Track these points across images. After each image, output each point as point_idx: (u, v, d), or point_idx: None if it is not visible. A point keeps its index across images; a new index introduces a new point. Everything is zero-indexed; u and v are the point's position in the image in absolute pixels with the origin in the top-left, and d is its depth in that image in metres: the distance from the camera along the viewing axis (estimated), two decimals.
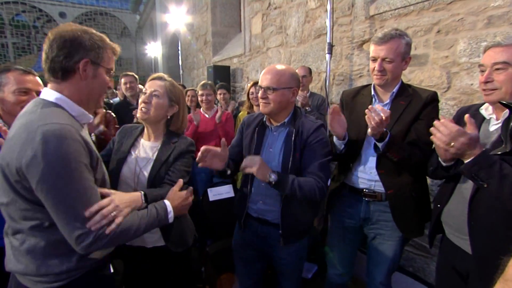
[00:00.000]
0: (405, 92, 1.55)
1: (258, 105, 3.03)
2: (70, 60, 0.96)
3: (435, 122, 1.13)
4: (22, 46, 15.47)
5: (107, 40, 1.06)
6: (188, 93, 3.48)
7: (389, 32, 1.48)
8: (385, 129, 1.41)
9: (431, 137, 1.15)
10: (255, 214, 1.56)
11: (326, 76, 2.87)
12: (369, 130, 1.38)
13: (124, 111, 3.25)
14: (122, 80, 3.58)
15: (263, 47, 4.61)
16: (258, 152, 1.51)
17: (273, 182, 1.33)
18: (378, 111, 1.31)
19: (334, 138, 1.57)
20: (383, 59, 1.48)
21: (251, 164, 1.33)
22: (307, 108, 3.05)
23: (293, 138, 1.44)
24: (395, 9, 2.50)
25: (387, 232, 1.60)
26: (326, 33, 2.90)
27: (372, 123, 1.32)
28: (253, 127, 1.59)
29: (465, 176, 1.15)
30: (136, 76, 3.73)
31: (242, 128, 1.66)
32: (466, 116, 1.11)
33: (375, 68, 1.50)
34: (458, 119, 1.37)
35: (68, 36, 0.95)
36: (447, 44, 2.18)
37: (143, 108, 1.37)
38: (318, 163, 1.42)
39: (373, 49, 1.51)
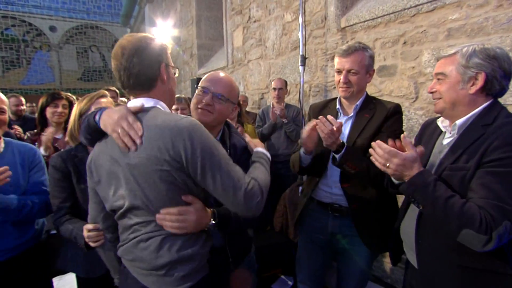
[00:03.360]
0: (369, 105, 1.55)
1: (231, 119, 3.02)
2: (153, 69, 0.99)
3: (372, 143, 1.13)
4: (11, 59, 15.37)
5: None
6: None
7: (353, 44, 1.49)
8: (342, 141, 1.40)
9: (371, 157, 1.14)
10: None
11: (300, 87, 2.89)
12: (324, 143, 1.37)
13: None
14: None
15: (244, 59, 4.65)
16: None
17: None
18: (328, 122, 1.30)
19: (301, 152, 1.55)
20: (348, 71, 1.48)
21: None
22: (284, 120, 3.06)
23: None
24: (364, 21, 2.54)
25: (355, 246, 1.58)
26: (304, 44, 2.94)
27: (323, 133, 1.31)
28: None
29: (405, 196, 1.15)
30: (118, 91, 3.70)
31: None
32: (402, 136, 1.10)
33: (341, 80, 1.50)
34: (423, 132, 1.37)
35: (143, 47, 0.97)
36: (413, 55, 2.22)
37: None
38: None
39: (337, 61, 1.52)
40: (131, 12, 15.03)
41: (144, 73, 0.98)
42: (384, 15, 2.37)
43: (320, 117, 1.34)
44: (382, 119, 1.48)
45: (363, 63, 1.48)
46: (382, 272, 2.61)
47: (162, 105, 1.03)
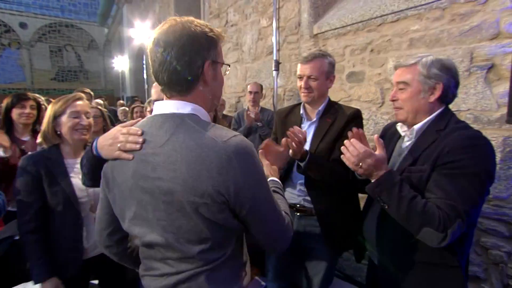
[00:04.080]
0: (331, 110, 1.61)
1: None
2: (194, 67, 0.80)
3: (345, 142, 1.16)
4: None
5: (215, 28, 0.84)
6: (136, 109, 3.42)
7: (313, 52, 1.57)
8: (306, 149, 1.45)
9: (341, 156, 1.17)
10: None
11: (274, 92, 2.95)
12: (290, 151, 1.40)
13: None
14: None
15: None
16: None
17: None
18: (297, 133, 1.34)
19: None
20: (308, 77, 1.55)
21: None
22: (258, 123, 3.10)
23: None
24: (334, 29, 2.64)
25: (320, 245, 1.63)
26: (278, 50, 3.00)
27: (294, 145, 1.35)
28: None
29: (371, 196, 1.19)
30: (92, 93, 3.60)
31: None
32: (375, 136, 1.15)
33: (302, 86, 1.56)
34: (383, 135, 1.44)
35: (186, 39, 0.77)
36: (379, 62, 2.33)
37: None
38: None
39: (299, 67, 1.58)
40: (108, 12, 14.69)
41: (182, 72, 0.79)
42: (353, 24, 2.47)
43: (290, 128, 1.37)
44: (344, 123, 1.54)
45: (323, 70, 1.55)
46: (352, 270, 2.68)
47: (201, 113, 0.84)
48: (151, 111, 2.67)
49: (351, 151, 1.12)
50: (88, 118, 1.52)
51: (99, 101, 4.83)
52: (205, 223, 0.78)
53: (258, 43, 3.73)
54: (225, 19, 4.49)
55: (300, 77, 1.58)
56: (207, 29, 0.81)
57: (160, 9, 8.09)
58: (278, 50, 2.95)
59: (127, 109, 5.83)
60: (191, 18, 0.82)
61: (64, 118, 1.46)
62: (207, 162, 0.74)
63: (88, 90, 3.59)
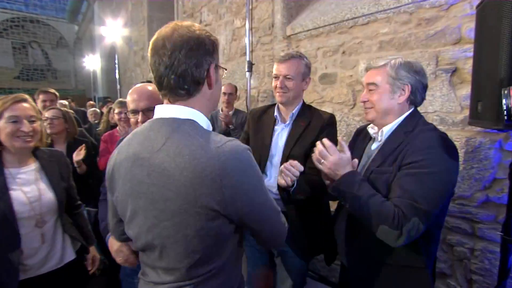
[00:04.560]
0: (306, 113, 1.60)
1: None
2: (201, 70, 0.79)
3: (318, 142, 1.17)
4: None
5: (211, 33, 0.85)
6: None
7: (290, 52, 1.56)
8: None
9: (312, 154, 1.18)
10: None
11: (247, 93, 2.91)
12: (280, 180, 1.31)
13: None
14: (40, 97, 3.13)
15: None
16: None
17: None
18: (293, 170, 1.27)
19: None
20: (284, 77, 1.53)
21: None
22: (230, 126, 3.04)
23: None
24: (307, 30, 2.65)
25: (290, 249, 1.60)
26: (251, 51, 2.97)
27: (289, 180, 1.28)
28: None
29: (336, 196, 1.19)
30: (57, 94, 3.37)
31: None
32: (339, 138, 1.19)
33: (277, 85, 1.54)
34: (356, 138, 1.44)
35: (192, 41, 0.77)
36: (351, 64, 2.35)
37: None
38: None
39: (276, 67, 1.57)
40: (78, 8, 14.08)
41: (190, 74, 0.78)
42: (325, 26, 2.49)
43: (283, 166, 1.29)
44: (319, 129, 1.53)
45: (299, 70, 1.54)
46: (326, 271, 2.69)
47: (200, 118, 0.83)
48: (119, 113, 2.52)
49: (318, 148, 1.15)
50: (33, 122, 1.36)
51: (64, 102, 4.58)
52: (195, 233, 0.76)
53: (232, 44, 3.68)
54: (198, 18, 4.41)
55: (276, 77, 1.57)
56: (208, 34, 0.82)
57: (133, 7, 7.86)
58: (252, 51, 2.92)
59: (97, 110, 5.58)
60: (190, 22, 0.82)
61: (1, 123, 1.31)
62: (199, 170, 0.73)
63: (52, 90, 3.36)
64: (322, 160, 1.13)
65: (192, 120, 0.81)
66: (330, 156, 1.11)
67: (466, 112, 1.60)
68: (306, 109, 1.63)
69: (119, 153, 0.88)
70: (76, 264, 1.54)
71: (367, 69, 1.27)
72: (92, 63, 13.49)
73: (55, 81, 16.78)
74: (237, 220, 0.80)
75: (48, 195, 1.41)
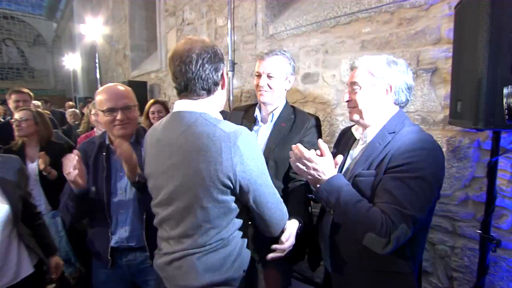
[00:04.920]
0: (289, 114, 1.55)
1: None
2: (218, 74, 1.00)
3: (293, 146, 1.12)
4: None
5: None
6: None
7: (274, 50, 1.52)
8: None
9: (290, 160, 1.14)
10: (117, 244, 1.45)
11: (230, 93, 2.87)
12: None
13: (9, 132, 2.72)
14: (12, 97, 2.99)
15: None
16: (109, 179, 1.44)
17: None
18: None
19: None
20: (267, 75, 1.47)
21: None
22: None
23: None
24: (290, 29, 2.62)
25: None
26: (233, 50, 2.92)
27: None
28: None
29: (320, 202, 1.16)
30: (31, 94, 3.20)
31: None
32: (319, 141, 1.12)
33: (259, 84, 1.48)
34: (340, 139, 1.41)
35: (210, 51, 0.97)
36: (334, 63, 2.34)
37: None
38: None
39: (258, 64, 1.52)
40: (56, 5, 13.58)
41: (212, 78, 0.98)
42: (307, 25, 2.47)
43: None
44: (302, 132, 1.49)
45: (283, 68, 1.49)
46: (311, 272, 2.68)
47: (214, 110, 1.03)
48: (96, 114, 2.45)
49: (295, 154, 1.10)
50: None
51: (37, 102, 4.38)
52: (208, 205, 0.92)
53: (214, 43, 3.61)
54: (181, 17, 4.32)
55: (258, 75, 1.50)
56: (216, 46, 1.01)
57: (114, 4, 7.64)
58: (234, 50, 2.87)
59: (77, 111, 5.38)
60: (201, 37, 1.03)
61: None
62: (215, 149, 0.89)
63: (26, 90, 3.20)
64: (306, 164, 1.09)
65: (207, 113, 0.99)
66: (313, 161, 1.07)
67: (447, 112, 1.61)
68: (289, 110, 1.57)
69: (146, 142, 1.10)
70: (34, 278, 1.43)
71: (351, 68, 1.24)
72: (72, 62, 13.05)
73: (33, 81, 16.16)
74: (243, 198, 0.96)
75: (1, 205, 1.31)
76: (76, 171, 1.20)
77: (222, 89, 1.05)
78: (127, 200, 1.41)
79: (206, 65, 0.95)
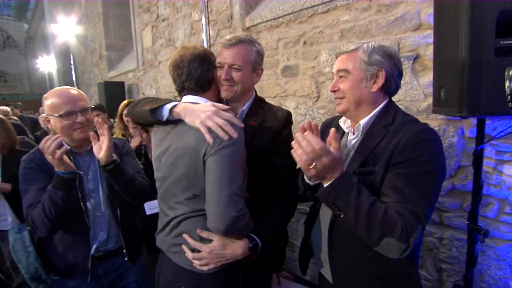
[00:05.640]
0: (258, 111, 1.35)
1: (134, 127, 2.72)
2: (210, 72, 1.17)
3: (297, 135, 0.93)
4: None
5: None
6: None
7: (238, 35, 1.27)
8: None
9: (292, 151, 0.95)
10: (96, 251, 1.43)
11: None
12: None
13: None
14: None
15: (155, 60, 4.33)
16: (81, 183, 1.42)
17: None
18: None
19: None
20: (230, 66, 1.22)
21: None
22: None
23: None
24: (267, 21, 2.53)
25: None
26: (209, 45, 2.80)
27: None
28: None
29: (323, 202, 1.03)
30: None
31: None
32: (332, 130, 0.96)
33: (222, 77, 1.23)
34: (322, 133, 1.29)
35: (201, 54, 1.15)
36: (313, 55, 2.26)
37: None
38: None
39: (220, 53, 1.27)
40: (26, 4, 12.97)
41: (203, 76, 1.15)
42: (284, 15, 2.38)
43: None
44: (275, 131, 1.31)
45: (249, 58, 1.25)
46: (297, 268, 2.63)
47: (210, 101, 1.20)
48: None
49: (303, 146, 0.89)
50: None
51: (6, 108, 4.14)
52: (197, 172, 1.07)
53: (191, 38, 3.48)
54: (155, 13, 4.15)
55: (220, 66, 1.24)
56: (207, 49, 1.17)
57: (86, 2, 7.33)
58: (211, 45, 2.75)
59: None
60: (193, 44, 1.21)
61: None
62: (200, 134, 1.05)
63: None
64: (310, 160, 0.89)
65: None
66: (324, 157, 0.88)
67: (430, 100, 1.55)
68: (259, 106, 1.36)
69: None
70: None
71: (337, 55, 1.14)
72: (47, 64, 12.55)
73: (5, 85, 15.46)
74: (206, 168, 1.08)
75: None
76: (64, 149, 1.21)
77: (216, 86, 1.22)
78: (102, 201, 1.43)
79: (198, 67, 1.13)
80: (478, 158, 1.32)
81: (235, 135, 1.03)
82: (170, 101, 1.19)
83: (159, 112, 1.16)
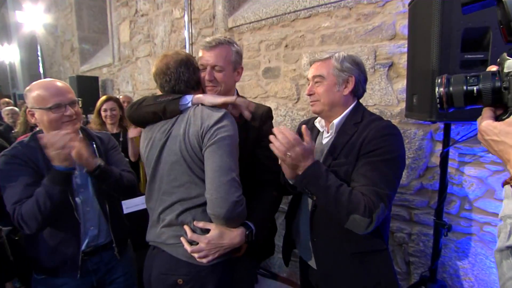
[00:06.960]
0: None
1: (112, 123, 2.67)
2: (196, 76, 1.24)
3: (274, 129, 1.08)
4: None
5: None
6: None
7: (218, 37, 1.33)
8: None
9: (270, 145, 1.07)
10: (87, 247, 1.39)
11: None
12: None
13: None
14: None
15: (132, 56, 4.23)
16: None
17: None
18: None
19: None
20: (212, 67, 1.29)
21: None
22: None
23: None
24: (249, 23, 2.57)
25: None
26: (190, 44, 2.80)
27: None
28: None
29: (299, 189, 1.14)
30: None
31: None
32: (303, 127, 1.10)
33: (206, 78, 1.29)
34: (299, 132, 1.37)
35: (184, 59, 1.22)
36: (294, 58, 2.34)
37: None
38: None
39: (201, 55, 1.32)
40: None
41: (192, 79, 1.23)
42: (267, 18, 2.44)
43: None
44: (257, 126, 1.37)
45: (229, 59, 1.32)
46: (278, 268, 2.70)
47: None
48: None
49: (280, 138, 1.05)
50: None
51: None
52: (191, 167, 1.13)
53: (171, 36, 3.45)
54: (134, 7, 4.06)
55: (203, 67, 1.30)
56: (189, 53, 1.12)
57: None
58: (192, 44, 2.75)
59: (16, 109, 4.81)
60: (174, 50, 1.33)
61: None
62: (198, 125, 1.12)
63: None
64: (285, 149, 1.04)
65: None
66: (297, 147, 1.04)
67: (403, 105, 1.68)
68: None
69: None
70: None
71: (311, 63, 1.26)
72: (8, 54, 11.74)
73: None
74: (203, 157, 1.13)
75: None
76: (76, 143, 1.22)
77: (202, 86, 1.28)
78: (91, 196, 1.41)
79: (185, 70, 1.19)
80: (444, 160, 1.46)
81: (249, 116, 1.23)
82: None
83: (177, 102, 1.22)
